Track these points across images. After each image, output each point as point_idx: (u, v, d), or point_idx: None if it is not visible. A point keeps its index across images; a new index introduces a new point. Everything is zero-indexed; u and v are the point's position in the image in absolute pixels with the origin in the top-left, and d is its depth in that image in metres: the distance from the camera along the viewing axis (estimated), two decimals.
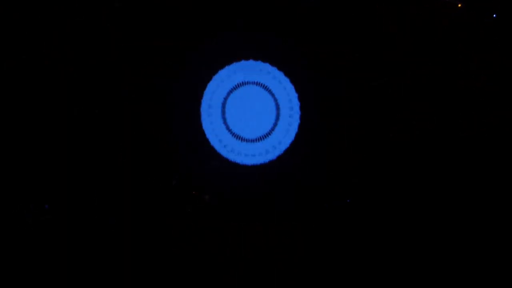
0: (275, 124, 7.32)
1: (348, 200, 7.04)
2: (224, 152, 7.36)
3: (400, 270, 6.73)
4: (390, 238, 6.85)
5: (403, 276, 6.71)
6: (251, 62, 7.32)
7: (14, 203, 6.63)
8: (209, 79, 7.37)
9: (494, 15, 7.18)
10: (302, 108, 7.27)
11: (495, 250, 6.67)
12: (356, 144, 7.23)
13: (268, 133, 7.33)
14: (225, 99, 7.39)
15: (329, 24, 7.33)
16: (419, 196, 6.92)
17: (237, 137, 7.37)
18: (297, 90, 7.28)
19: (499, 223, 6.70)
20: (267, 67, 7.32)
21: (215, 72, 7.36)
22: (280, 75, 7.30)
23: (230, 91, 7.39)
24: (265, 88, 7.34)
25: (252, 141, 7.35)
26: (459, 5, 7.22)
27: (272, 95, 7.33)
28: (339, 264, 6.86)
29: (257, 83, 7.35)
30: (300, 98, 7.27)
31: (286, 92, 7.31)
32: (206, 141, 7.35)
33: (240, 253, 6.94)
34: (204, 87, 7.37)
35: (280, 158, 7.31)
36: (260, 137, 7.35)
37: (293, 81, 7.28)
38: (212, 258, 6.91)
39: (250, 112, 7.35)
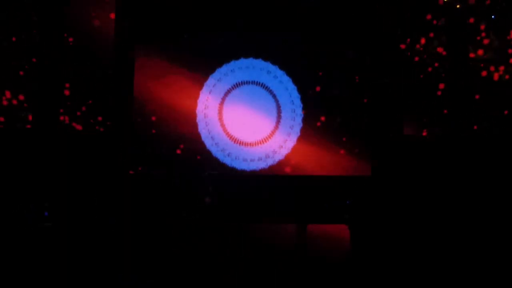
0: (275, 127, 6.95)
1: (348, 202, 6.79)
2: (221, 157, 6.94)
3: (400, 270, 6.57)
4: (390, 238, 6.66)
5: (403, 276, 6.55)
6: (251, 60, 6.94)
7: (14, 203, 6.56)
8: (205, 78, 6.95)
9: (493, 16, 7.14)
10: (305, 110, 6.92)
11: (496, 250, 6.60)
12: (359, 145, 6.94)
13: (268, 137, 6.94)
14: (223, 99, 6.96)
15: (331, 23, 7.03)
16: (419, 196, 6.73)
17: (235, 140, 6.95)
18: (300, 91, 6.94)
19: (499, 223, 6.66)
20: (268, 66, 6.95)
21: (212, 71, 6.95)
22: (282, 74, 6.95)
23: (228, 91, 6.96)
24: (266, 88, 6.97)
25: (251, 145, 6.94)
26: (458, 6, 7.14)
27: (273, 95, 6.96)
28: (338, 264, 6.73)
29: (257, 83, 6.96)
30: (303, 100, 6.93)
31: (288, 93, 6.96)
32: (201, 144, 6.90)
33: (240, 253, 6.75)
34: (200, 87, 6.94)
35: (280, 163, 6.92)
36: (260, 141, 6.95)
37: (295, 81, 6.94)
38: (212, 258, 6.74)
39: (249, 114, 6.95)
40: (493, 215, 6.66)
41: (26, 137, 6.67)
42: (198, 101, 6.92)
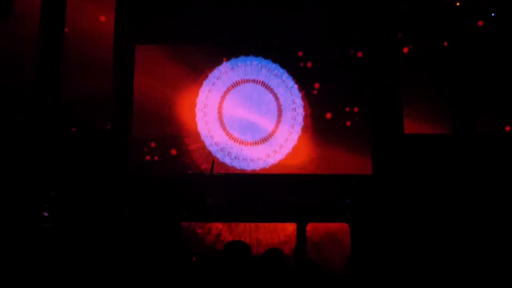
0: (276, 126, 6.89)
1: (347, 201, 6.72)
2: (220, 156, 6.85)
3: (400, 269, 6.42)
4: (391, 236, 6.58)
5: (403, 275, 6.45)
6: (251, 58, 6.90)
7: (14, 203, 6.41)
8: (205, 76, 6.90)
9: (493, 14, 7.11)
10: (306, 109, 6.88)
11: (497, 249, 6.52)
12: (360, 143, 6.92)
13: (269, 136, 6.88)
14: (222, 98, 6.91)
15: (332, 23, 7.00)
16: (419, 194, 6.67)
17: (235, 140, 6.88)
18: (301, 89, 6.90)
19: (499, 221, 6.59)
20: (268, 64, 6.91)
21: (211, 68, 6.90)
22: (283, 73, 6.91)
23: (228, 90, 6.91)
24: (266, 86, 6.91)
25: (252, 144, 6.87)
26: (458, 4, 7.11)
27: (274, 94, 6.90)
28: (339, 264, 6.64)
29: (258, 81, 6.91)
30: (305, 98, 6.89)
31: (289, 92, 6.89)
32: (201, 144, 6.85)
33: (240, 253, 6.64)
34: (199, 85, 6.89)
35: (281, 162, 6.87)
36: (260, 140, 6.89)
37: (297, 80, 6.90)
38: (212, 258, 6.57)
39: (250, 113, 6.90)
40: (493, 213, 6.60)
41: (26, 137, 6.61)
42: (197, 99, 6.87)
